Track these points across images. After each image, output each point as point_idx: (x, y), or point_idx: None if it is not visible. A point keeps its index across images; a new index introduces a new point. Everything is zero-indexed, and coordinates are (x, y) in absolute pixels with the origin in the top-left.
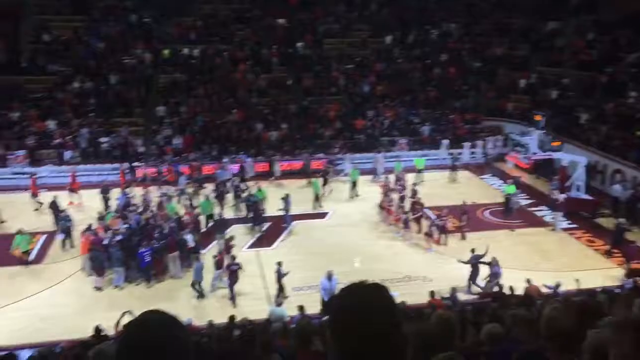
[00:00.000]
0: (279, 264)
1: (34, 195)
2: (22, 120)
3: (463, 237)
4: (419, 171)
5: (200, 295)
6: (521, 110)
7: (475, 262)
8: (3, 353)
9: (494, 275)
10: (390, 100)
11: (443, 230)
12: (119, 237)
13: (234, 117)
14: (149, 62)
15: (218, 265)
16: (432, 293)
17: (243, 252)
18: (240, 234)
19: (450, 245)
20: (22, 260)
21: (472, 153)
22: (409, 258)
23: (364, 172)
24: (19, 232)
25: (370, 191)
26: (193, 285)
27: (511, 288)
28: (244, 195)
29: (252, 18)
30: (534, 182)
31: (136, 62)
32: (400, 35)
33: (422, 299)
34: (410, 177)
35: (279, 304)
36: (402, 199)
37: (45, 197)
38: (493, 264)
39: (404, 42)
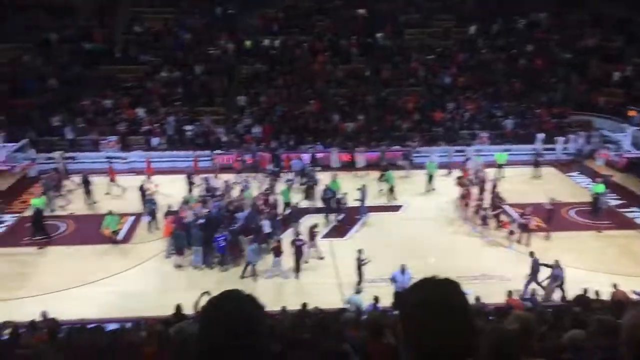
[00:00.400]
0: (360, 251)
1: (112, 180)
2: (114, 108)
3: (547, 237)
4: (500, 166)
5: (248, 276)
6: (614, 105)
7: (536, 266)
8: (91, 325)
9: (554, 278)
10: (472, 93)
11: (525, 229)
12: (200, 220)
13: (311, 107)
14: (232, 53)
15: (276, 252)
16: (509, 293)
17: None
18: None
19: (533, 245)
20: (111, 240)
21: (560, 149)
22: (486, 255)
23: (442, 166)
24: (109, 213)
25: (447, 185)
26: (246, 265)
27: (597, 292)
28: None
29: (333, 9)
30: (626, 181)
31: (220, 53)
32: (484, 25)
33: (499, 298)
34: (490, 172)
35: (357, 292)
36: (481, 194)
37: (134, 181)
38: (554, 267)
39: (489, 32)
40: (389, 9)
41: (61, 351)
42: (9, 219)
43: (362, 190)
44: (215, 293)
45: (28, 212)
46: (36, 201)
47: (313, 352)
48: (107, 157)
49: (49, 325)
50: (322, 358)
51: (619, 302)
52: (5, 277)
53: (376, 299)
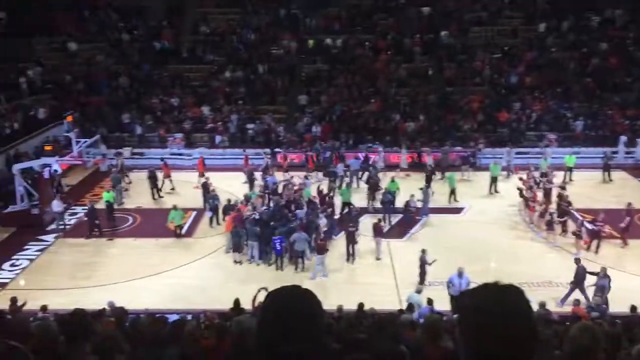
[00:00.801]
0: (424, 251)
1: (167, 176)
2: (180, 106)
3: (625, 244)
4: (569, 169)
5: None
6: None
7: (582, 273)
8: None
9: (600, 288)
10: (539, 92)
11: (596, 236)
12: (255, 215)
13: (372, 107)
14: (295, 52)
15: (319, 250)
16: (576, 302)
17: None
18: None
19: (605, 252)
20: (175, 233)
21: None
22: (550, 262)
23: (506, 168)
24: (174, 208)
25: (511, 188)
26: (292, 256)
27: None
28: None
29: (396, 7)
30: None
31: (283, 52)
32: (555, 22)
33: (565, 307)
34: (558, 176)
35: (418, 292)
36: (547, 198)
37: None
38: (600, 276)
39: (559, 29)
40: (455, 7)
41: (127, 338)
42: (80, 211)
43: (425, 191)
44: (273, 289)
45: (99, 205)
46: (107, 195)
47: (369, 352)
48: (172, 154)
49: (116, 314)
50: (378, 359)
51: None
52: (75, 266)
53: (430, 302)
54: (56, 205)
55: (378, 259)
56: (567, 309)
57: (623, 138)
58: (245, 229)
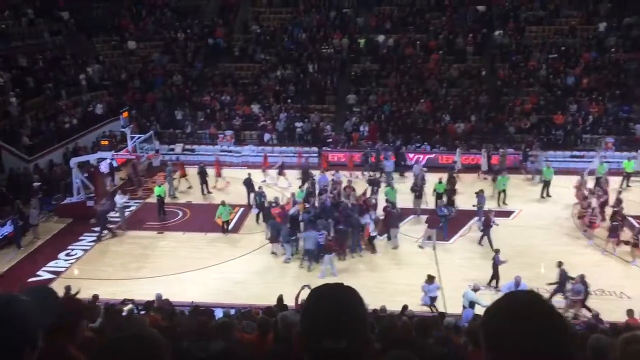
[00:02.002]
0: (497, 251)
1: (219, 175)
2: (231, 104)
3: None
4: (628, 175)
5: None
6: None
7: (564, 277)
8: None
9: (575, 292)
10: (598, 94)
11: None
12: (304, 214)
13: (421, 107)
14: (345, 51)
15: (327, 250)
16: (630, 312)
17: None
18: (417, 225)
19: None
20: (223, 229)
21: None
22: (604, 270)
23: (560, 172)
24: (222, 204)
25: (564, 193)
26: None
27: None
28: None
29: (450, 6)
30: None
31: (333, 51)
32: (616, 21)
33: (618, 317)
34: (616, 181)
35: (475, 289)
36: (603, 204)
37: (244, 174)
38: (577, 281)
39: (621, 29)
40: (511, 5)
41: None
42: (134, 204)
43: (480, 194)
44: (314, 286)
45: (151, 199)
46: (158, 189)
47: (411, 352)
48: (222, 151)
49: (163, 306)
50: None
51: None
52: (127, 258)
53: (472, 305)
54: (119, 199)
55: (420, 246)
56: (622, 319)
57: None
58: (282, 225)
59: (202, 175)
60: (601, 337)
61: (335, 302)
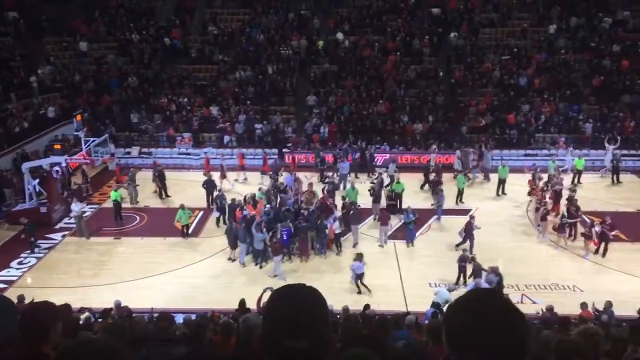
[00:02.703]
0: (465, 251)
1: (223, 177)
2: (189, 105)
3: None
4: (578, 172)
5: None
6: None
7: (479, 269)
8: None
9: (487, 283)
10: (549, 94)
11: (604, 238)
12: (264, 216)
13: (380, 108)
14: (303, 53)
15: (275, 251)
16: (583, 305)
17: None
18: (375, 225)
19: (610, 256)
20: (183, 233)
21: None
22: (558, 264)
23: (514, 170)
24: (182, 207)
25: (520, 190)
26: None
27: None
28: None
29: (406, 8)
30: None
31: (291, 53)
32: (565, 23)
33: (571, 309)
34: (567, 179)
35: (450, 289)
36: (556, 201)
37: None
38: (488, 271)
39: (569, 31)
40: (465, 8)
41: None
42: (89, 210)
43: (439, 193)
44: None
45: (107, 204)
46: (114, 194)
47: (371, 350)
48: (180, 153)
49: (121, 313)
50: (379, 357)
51: None
52: (83, 265)
53: (445, 304)
54: (75, 206)
55: (381, 246)
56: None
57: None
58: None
59: (161, 178)
60: (548, 334)
61: (296, 303)
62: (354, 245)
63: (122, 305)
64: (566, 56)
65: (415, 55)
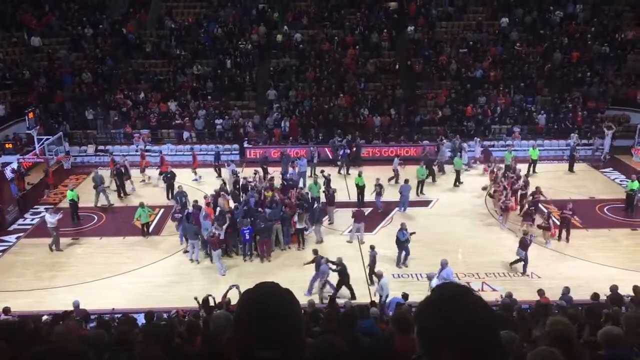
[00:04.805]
0: (372, 247)
1: (142, 171)
2: (146, 101)
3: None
4: (533, 162)
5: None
6: None
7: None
8: (119, 315)
9: (322, 273)
10: (504, 87)
11: (566, 224)
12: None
13: (341, 101)
14: (263, 46)
15: (214, 245)
16: (541, 291)
17: (344, 236)
18: (342, 217)
19: (567, 243)
20: (143, 231)
21: (595, 145)
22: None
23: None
24: (141, 205)
25: (477, 181)
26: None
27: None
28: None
29: (364, 2)
30: None
31: (250, 47)
32: (519, 17)
33: (530, 295)
34: (523, 168)
35: (430, 277)
36: (513, 190)
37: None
38: (323, 262)
39: (523, 24)
40: (422, 1)
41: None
42: (44, 210)
43: (404, 184)
44: (242, 285)
45: (63, 204)
46: (70, 193)
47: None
48: (138, 150)
49: (80, 315)
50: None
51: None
52: (40, 267)
53: (405, 296)
54: (50, 217)
55: (349, 241)
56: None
57: (609, 132)
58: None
59: (119, 176)
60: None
61: (269, 312)
62: (318, 242)
63: (80, 308)
64: (520, 49)
65: (374, 49)
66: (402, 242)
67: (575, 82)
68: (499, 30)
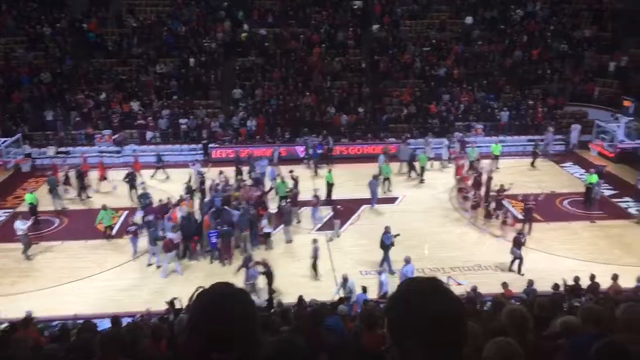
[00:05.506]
0: (315, 241)
1: (101, 178)
2: (108, 101)
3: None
4: (495, 157)
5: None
6: (609, 96)
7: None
8: (81, 321)
9: (250, 276)
10: (467, 84)
11: (529, 216)
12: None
13: (307, 100)
14: (227, 45)
15: (166, 248)
16: (504, 284)
17: (312, 235)
18: (308, 217)
19: (529, 236)
20: (105, 234)
21: (555, 140)
22: (481, 247)
23: (435, 158)
24: (103, 208)
25: (442, 177)
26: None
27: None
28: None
29: (329, 0)
30: (619, 171)
31: (215, 45)
32: (481, 16)
33: (494, 288)
34: (486, 164)
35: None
36: (477, 186)
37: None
38: (251, 266)
39: (485, 23)
40: (386, 0)
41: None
42: (2, 214)
43: (372, 180)
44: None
45: (21, 208)
46: (29, 196)
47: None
48: (101, 152)
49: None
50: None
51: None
52: None
53: (364, 289)
54: (20, 224)
55: (330, 240)
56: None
57: (576, 126)
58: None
59: (80, 178)
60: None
61: (226, 317)
62: (288, 242)
63: (32, 316)
64: (482, 47)
65: (339, 47)
66: (387, 246)
67: (536, 79)
68: (462, 28)
